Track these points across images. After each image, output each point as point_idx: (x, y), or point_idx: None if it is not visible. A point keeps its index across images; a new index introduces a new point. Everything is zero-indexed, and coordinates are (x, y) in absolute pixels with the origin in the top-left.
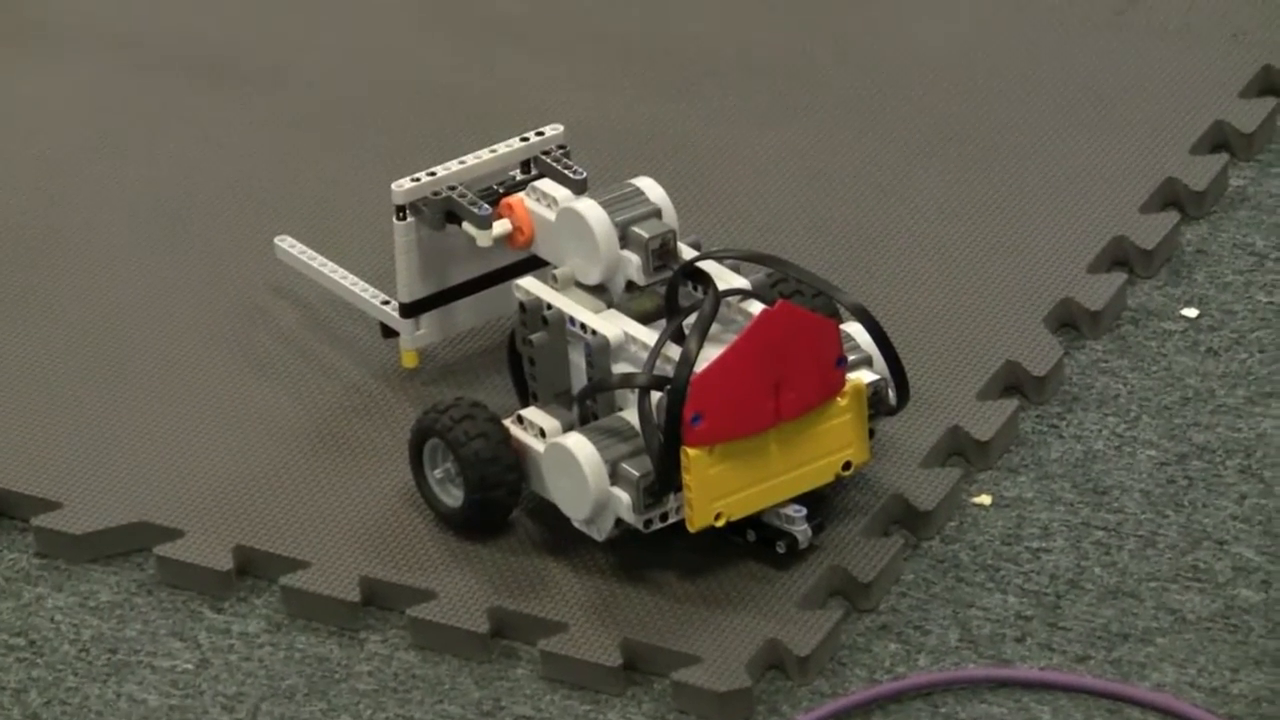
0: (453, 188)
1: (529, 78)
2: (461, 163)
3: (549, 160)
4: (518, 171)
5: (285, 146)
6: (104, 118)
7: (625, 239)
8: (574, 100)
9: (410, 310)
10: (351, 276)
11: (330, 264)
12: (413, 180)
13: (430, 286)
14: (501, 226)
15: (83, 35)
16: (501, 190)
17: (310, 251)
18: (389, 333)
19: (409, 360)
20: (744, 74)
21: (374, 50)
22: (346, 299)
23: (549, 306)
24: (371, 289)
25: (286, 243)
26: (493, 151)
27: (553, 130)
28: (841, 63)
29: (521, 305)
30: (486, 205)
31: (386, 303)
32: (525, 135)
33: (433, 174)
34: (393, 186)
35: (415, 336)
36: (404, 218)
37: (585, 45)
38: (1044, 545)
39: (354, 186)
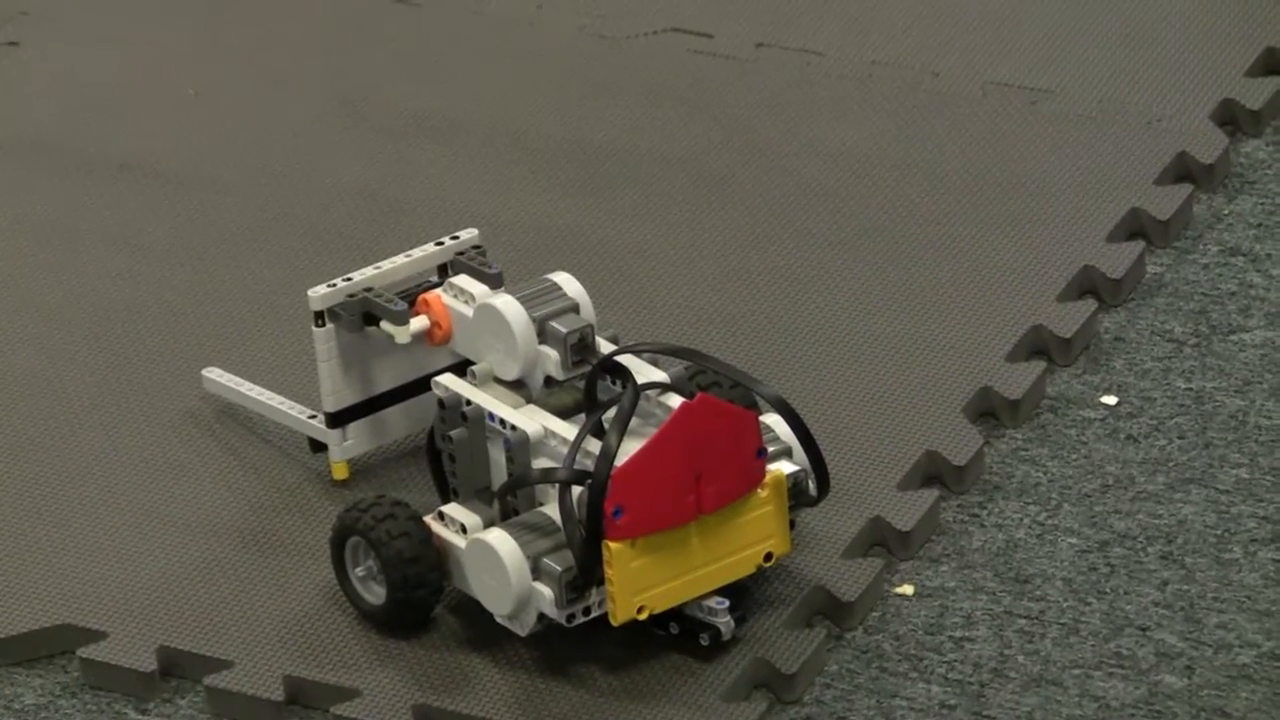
0: (369, 289)
1: (446, 178)
2: (377, 268)
3: (464, 259)
4: (435, 275)
5: (205, 253)
6: (23, 227)
7: (543, 334)
8: (490, 199)
9: (336, 420)
10: (278, 397)
11: (256, 388)
12: (329, 286)
13: (356, 395)
14: (419, 323)
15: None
16: (418, 292)
17: (235, 379)
18: (318, 447)
19: (339, 472)
20: (659, 173)
21: (290, 154)
22: (277, 419)
23: (468, 402)
24: (299, 406)
25: (214, 373)
26: (408, 256)
27: (468, 234)
28: (755, 161)
29: (441, 402)
30: (402, 302)
31: (314, 417)
32: (440, 240)
33: (349, 279)
34: (309, 293)
35: (344, 447)
36: (322, 324)
37: (500, 145)
38: (967, 634)
39: (274, 292)
